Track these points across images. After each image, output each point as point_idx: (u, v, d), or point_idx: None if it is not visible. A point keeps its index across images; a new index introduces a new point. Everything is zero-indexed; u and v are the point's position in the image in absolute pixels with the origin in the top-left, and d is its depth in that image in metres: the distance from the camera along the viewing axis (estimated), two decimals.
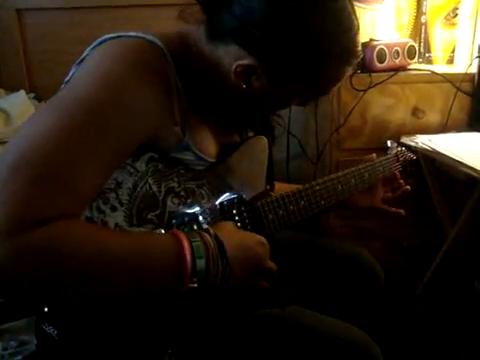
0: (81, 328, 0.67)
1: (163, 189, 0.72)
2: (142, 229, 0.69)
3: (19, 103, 1.68)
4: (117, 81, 0.64)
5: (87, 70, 0.68)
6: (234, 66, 0.71)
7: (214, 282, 0.67)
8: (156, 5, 1.90)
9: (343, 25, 0.71)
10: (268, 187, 0.91)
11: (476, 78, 1.65)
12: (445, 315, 1.62)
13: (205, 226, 0.72)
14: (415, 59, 1.70)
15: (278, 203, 0.85)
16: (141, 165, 0.70)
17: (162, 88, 0.69)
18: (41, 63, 1.91)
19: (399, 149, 1.23)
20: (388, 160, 1.13)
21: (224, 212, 0.78)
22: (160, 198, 0.72)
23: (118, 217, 0.68)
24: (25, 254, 0.52)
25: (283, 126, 0.98)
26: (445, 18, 1.81)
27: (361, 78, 1.57)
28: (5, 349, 0.98)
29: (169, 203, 0.72)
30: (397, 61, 1.64)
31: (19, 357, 0.97)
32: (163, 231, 0.70)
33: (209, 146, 0.80)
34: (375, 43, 1.60)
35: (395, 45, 1.64)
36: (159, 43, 0.70)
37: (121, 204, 0.68)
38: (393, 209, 1.11)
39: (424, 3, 1.81)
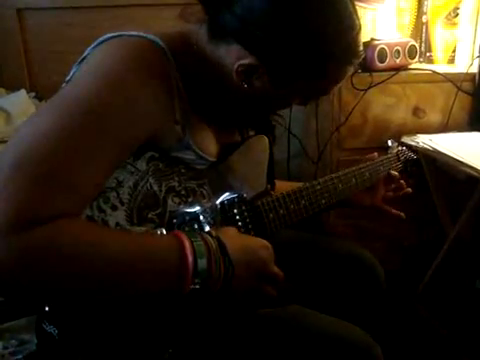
0: (82, 327, 0.67)
1: (164, 188, 0.72)
2: (143, 228, 0.69)
3: (20, 102, 1.68)
4: (118, 80, 0.64)
5: (88, 69, 0.68)
6: (235, 66, 0.71)
7: (216, 283, 0.66)
8: (157, 5, 1.90)
9: (345, 24, 0.70)
10: (269, 186, 0.91)
11: (477, 78, 1.65)
12: (446, 315, 1.62)
13: (206, 225, 0.72)
14: (416, 59, 1.70)
15: (279, 202, 0.85)
16: (142, 164, 0.70)
17: (163, 87, 0.69)
18: (42, 62, 1.92)
19: (400, 148, 1.22)
20: (389, 159, 1.13)
21: (225, 211, 0.78)
22: (161, 197, 0.72)
23: (119, 216, 0.68)
24: (25, 253, 0.52)
25: (284, 125, 0.98)
26: (446, 18, 1.81)
27: (362, 77, 1.57)
28: (6, 348, 0.98)
29: (170, 202, 0.72)
30: (398, 61, 1.64)
31: (19, 356, 0.97)
32: (164, 230, 0.70)
33: (210, 145, 0.80)
34: (376, 42, 1.60)
35: (396, 45, 1.64)
36: (160, 42, 0.70)
37: (122, 203, 0.68)
38: (394, 210, 1.11)
39: (425, 3, 1.81)
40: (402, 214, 1.10)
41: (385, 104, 1.64)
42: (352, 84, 1.55)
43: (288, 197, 0.86)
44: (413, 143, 1.47)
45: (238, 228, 0.78)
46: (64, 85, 0.72)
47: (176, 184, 0.74)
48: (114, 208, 0.67)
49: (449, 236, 1.62)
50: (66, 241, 0.55)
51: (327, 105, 1.65)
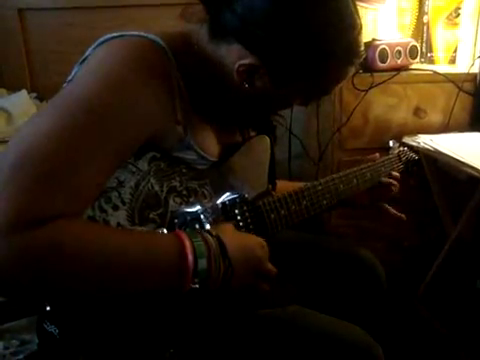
0: (83, 327, 0.67)
1: (165, 188, 0.72)
2: (144, 228, 0.69)
3: (21, 103, 1.68)
4: (119, 80, 0.64)
5: (89, 69, 0.68)
6: (236, 65, 0.71)
7: (216, 282, 0.67)
8: (157, 5, 1.91)
9: (346, 24, 0.70)
10: (270, 187, 0.91)
11: (478, 78, 1.64)
12: (447, 315, 1.62)
13: (207, 226, 0.72)
14: (417, 59, 1.70)
15: (280, 203, 0.85)
16: (143, 164, 0.70)
17: (164, 87, 0.69)
18: (43, 63, 1.92)
19: (401, 149, 1.22)
20: (390, 160, 1.13)
21: (226, 212, 0.78)
22: (162, 197, 0.72)
23: (120, 216, 0.68)
24: (26, 253, 0.52)
25: (285, 126, 0.98)
26: (447, 18, 1.80)
27: (363, 78, 1.57)
28: (6, 348, 0.98)
29: (171, 202, 0.72)
30: (399, 61, 1.64)
31: (21, 356, 0.97)
32: (165, 230, 0.70)
33: (211, 145, 0.80)
34: (377, 43, 1.60)
35: (397, 45, 1.63)
36: (161, 42, 0.70)
37: (123, 203, 0.68)
38: (394, 212, 1.10)
39: (426, 3, 1.81)
40: (403, 216, 1.10)
41: (386, 104, 1.64)
42: (353, 84, 1.55)
43: (289, 197, 0.86)
44: (414, 143, 1.47)
45: (239, 228, 0.79)
46: (65, 85, 0.72)
47: (177, 184, 0.74)
48: (115, 208, 0.67)
49: (450, 236, 1.62)
50: (67, 241, 0.55)
51: (328, 105, 1.65)
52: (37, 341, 0.70)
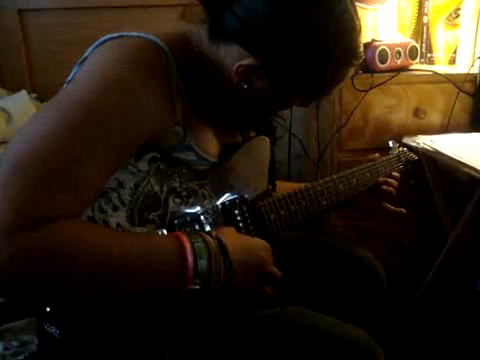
0: (83, 328, 0.67)
1: (165, 189, 0.72)
2: (144, 229, 0.69)
3: (21, 103, 1.68)
4: (119, 81, 0.64)
5: (89, 70, 0.68)
6: (236, 66, 0.71)
7: (216, 284, 0.66)
8: (157, 6, 1.91)
9: (345, 26, 0.70)
10: (270, 187, 0.91)
11: (478, 79, 1.65)
12: (447, 315, 1.62)
13: (207, 226, 0.72)
14: (417, 59, 1.70)
15: (280, 203, 0.85)
16: (143, 165, 0.70)
17: (163, 88, 0.69)
18: (43, 63, 1.92)
19: (401, 149, 1.22)
20: (390, 160, 1.13)
21: (226, 212, 0.78)
22: (162, 198, 0.72)
23: (120, 217, 0.67)
24: (26, 254, 0.52)
25: (284, 127, 0.98)
26: (447, 18, 1.81)
27: (363, 78, 1.57)
28: (6, 349, 0.98)
29: (171, 203, 0.72)
30: (399, 61, 1.64)
31: (21, 357, 0.97)
32: (165, 231, 0.70)
33: (211, 146, 0.80)
34: (377, 43, 1.60)
35: (397, 45, 1.64)
36: (161, 43, 0.70)
37: (123, 204, 0.68)
38: (393, 208, 1.11)
39: (426, 3, 1.81)
40: (403, 210, 1.10)
41: (386, 105, 1.64)
42: (353, 85, 1.55)
43: (289, 198, 0.86)
44: (414, 144, 1.47)
45: (239, 229, 0.78)
46: (65, 85, 0.72)
47: (177, 185, 0.74)
48: (115, 209, 0.67)
49: (450, 237, 1.62)
50: (66, 241, 0.54)
51: (328, 106, 1.65)
52: (37, 342, 0.70)
